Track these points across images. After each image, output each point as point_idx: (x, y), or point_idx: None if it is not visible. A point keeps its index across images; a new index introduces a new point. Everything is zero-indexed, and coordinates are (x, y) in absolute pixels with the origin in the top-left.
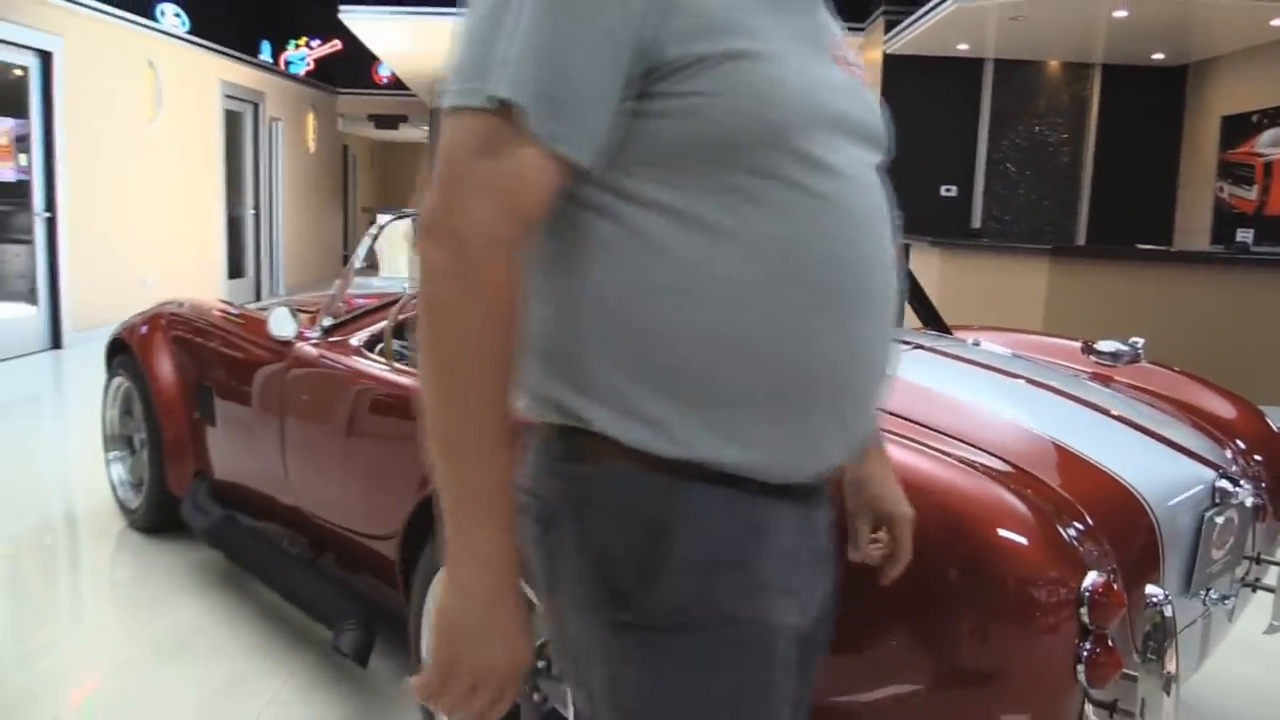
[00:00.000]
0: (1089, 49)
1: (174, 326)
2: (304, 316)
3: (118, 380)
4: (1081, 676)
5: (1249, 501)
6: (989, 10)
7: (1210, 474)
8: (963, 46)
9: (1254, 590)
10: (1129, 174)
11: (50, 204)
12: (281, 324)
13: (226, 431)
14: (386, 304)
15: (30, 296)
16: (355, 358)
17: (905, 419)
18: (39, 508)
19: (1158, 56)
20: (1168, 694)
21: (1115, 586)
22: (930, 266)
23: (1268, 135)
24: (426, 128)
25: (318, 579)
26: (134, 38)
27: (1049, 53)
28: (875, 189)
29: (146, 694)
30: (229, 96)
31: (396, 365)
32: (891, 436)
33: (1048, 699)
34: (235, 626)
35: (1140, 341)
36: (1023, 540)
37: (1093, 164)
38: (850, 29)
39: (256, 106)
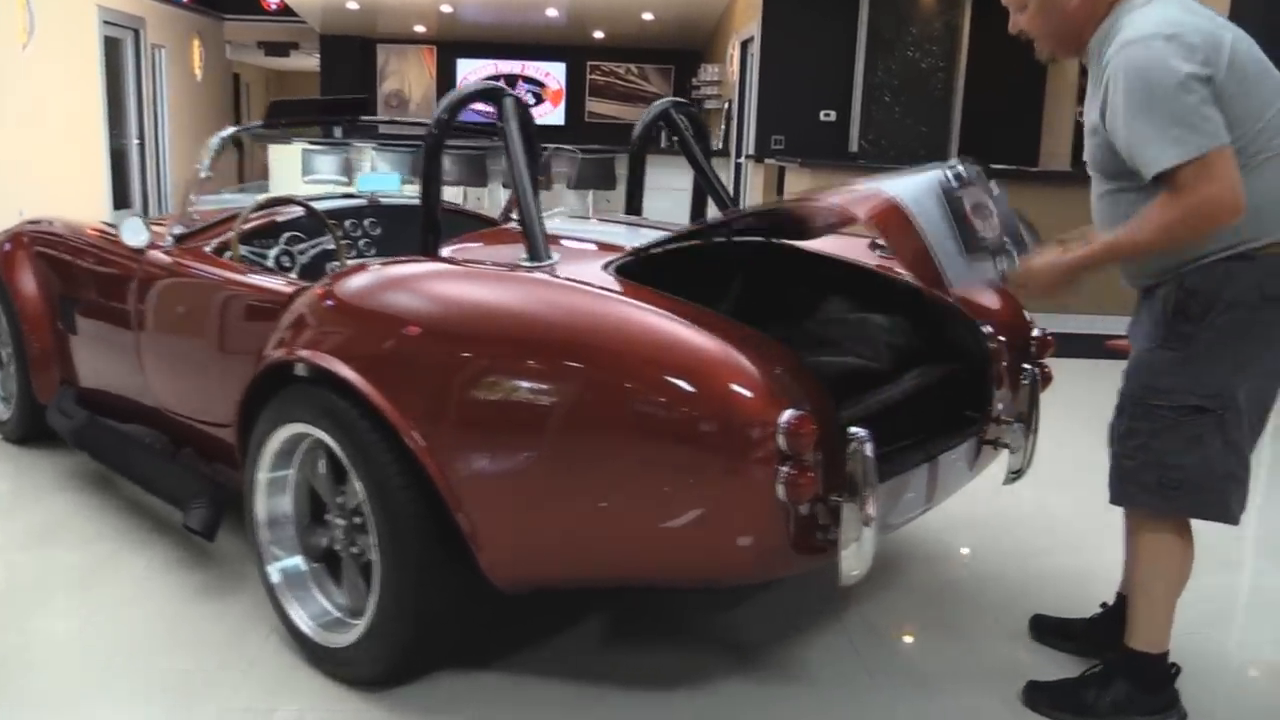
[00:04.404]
0: None
1: (37, 242)
2: (159, 228)
3: None
4: (781, 494)
5: None
6: None
7: None
8: None
9: (995, 448)
10: (998, 100)
11: None
12: (134, 233)
13: (87, 340)
14: (232, 216)
15: None
16: (203, 263)
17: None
18: None
19: None
20: (865, 523)
21: (810, 421)
22: (801, 186)
23: None
24: (318, 55)
25: (170, 467)
26: None
27: None
28: None
29: (19, 576)
30: (107, 23)
31: (241, 267)
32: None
33: (758, 514)
34: (102, 517)
35: None
36: (735, 386)
37: (964, 90)
38: None
39: (137, 33)
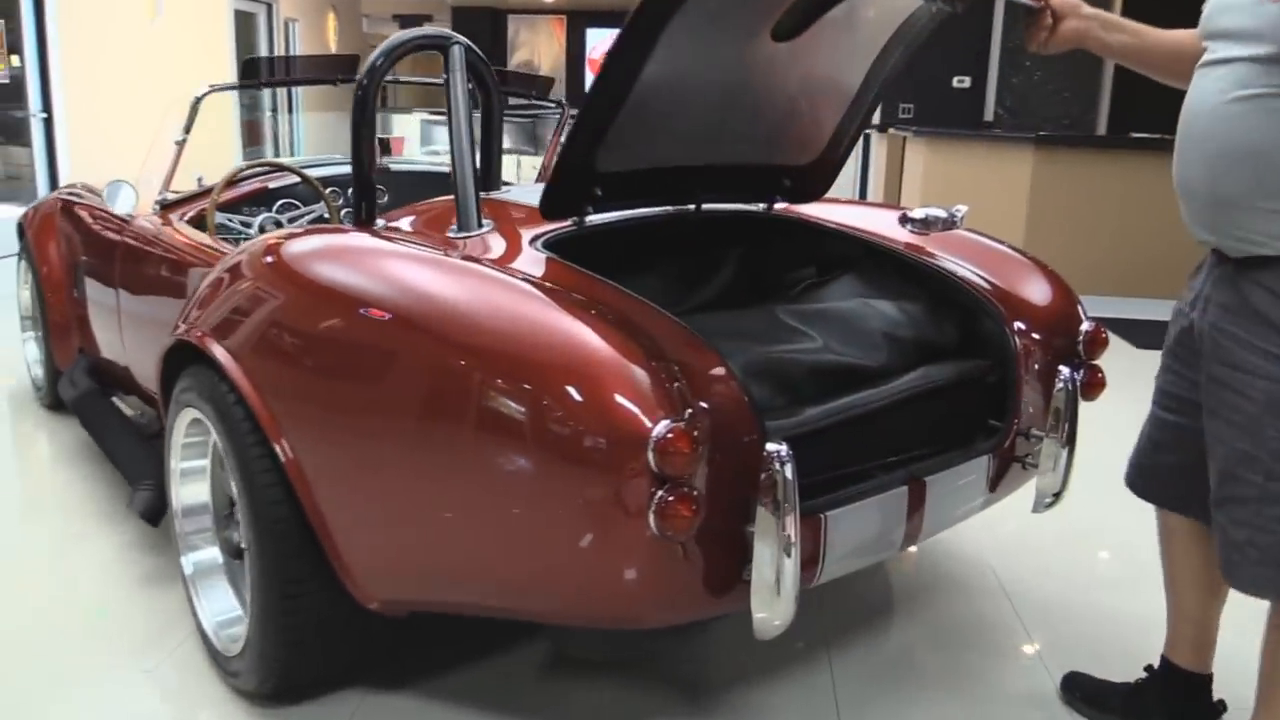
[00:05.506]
0: None
1: (64, 209)
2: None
3: (24, 261)
4: (652, 523)
5: None
6: None
7: None
8: None
9: (1024, 467)
10: None
11: (47, 104)
12: (121, 199)
13: (92, 308)
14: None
15: (30, 196)
16: (171, 230)
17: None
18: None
19: None
20: (786, 554)
21: (686, 437)
22: (918, 156)
23: None
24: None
25: (135, 444)
26: None
27: None
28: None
29: None
30: None
31: (212, 237)
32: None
33: (635, 545)
34: (95, 490)
35: (961, 209)
36: (606, 391)
37: None
38: None
39: (270, 6)
